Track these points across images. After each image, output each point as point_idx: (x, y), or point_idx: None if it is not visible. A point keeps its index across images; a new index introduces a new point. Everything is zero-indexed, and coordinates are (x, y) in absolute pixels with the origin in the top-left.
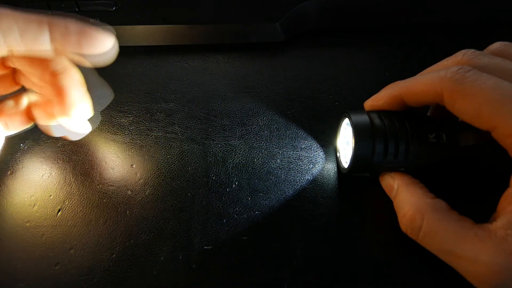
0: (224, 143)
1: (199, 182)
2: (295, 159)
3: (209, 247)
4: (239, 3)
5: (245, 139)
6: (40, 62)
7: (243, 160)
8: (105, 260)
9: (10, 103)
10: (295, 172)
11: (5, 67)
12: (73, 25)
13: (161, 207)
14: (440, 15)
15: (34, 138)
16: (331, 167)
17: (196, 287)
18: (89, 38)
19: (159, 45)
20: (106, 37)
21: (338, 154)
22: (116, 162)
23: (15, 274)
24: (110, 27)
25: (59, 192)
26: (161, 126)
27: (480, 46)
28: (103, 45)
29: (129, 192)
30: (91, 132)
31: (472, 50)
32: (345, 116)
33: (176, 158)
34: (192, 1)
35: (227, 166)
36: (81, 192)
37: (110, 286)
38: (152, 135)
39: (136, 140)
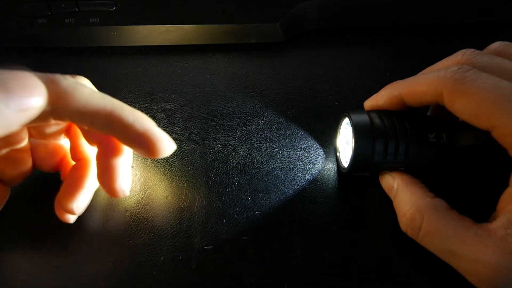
0: (224, 143)
1: (199, 182)
2: (295, 159)
3: (209, 247)
4: (239, 3)
5: (245, 139)
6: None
7: (243, 160)
8: (105, 261)
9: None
10: (295, 172)
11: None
12: (138, 125)
13: (161, 207)
14: (440, 15)
15: None
16: (331, 167)
17: (196, 287)
18: (149, 144)
19: (159, 45)
20: (167, 147)
21: (338, 154)
22: None
23: (15, 275)
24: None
25: None
26: (161, 126)
27: (480, 46)
28: (159, 153)
29: (129, 192)
30: None
31: (472, 50)
32: (345, 116)
33: (176, 158)
34: (192, 1)
35: (227, 166)
36: None
37: (110, 286)
38: None
39: None
